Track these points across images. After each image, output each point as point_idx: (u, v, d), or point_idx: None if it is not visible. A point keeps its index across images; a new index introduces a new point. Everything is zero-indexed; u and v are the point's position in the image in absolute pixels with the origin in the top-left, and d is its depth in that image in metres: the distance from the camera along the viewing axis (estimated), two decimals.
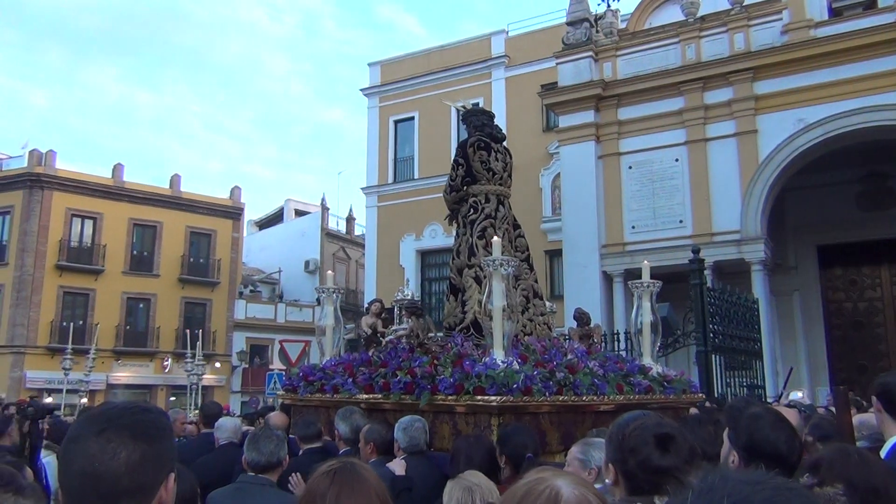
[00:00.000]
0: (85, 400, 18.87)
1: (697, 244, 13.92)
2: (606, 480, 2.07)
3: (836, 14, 16.25)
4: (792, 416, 3.31)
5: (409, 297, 8.21)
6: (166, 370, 31.13)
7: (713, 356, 11.80)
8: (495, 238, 5.68)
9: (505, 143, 7.46)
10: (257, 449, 3.70)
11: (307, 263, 37.23)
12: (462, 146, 7.13)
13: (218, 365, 31.94)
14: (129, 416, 1.56)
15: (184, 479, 2.82)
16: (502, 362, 5.09)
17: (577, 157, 17.94)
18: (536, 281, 7.16)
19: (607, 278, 17.38)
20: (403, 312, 7.70)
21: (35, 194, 29.94)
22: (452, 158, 7.30)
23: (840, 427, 3.77)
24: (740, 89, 16.41)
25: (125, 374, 30.92)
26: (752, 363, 13.27)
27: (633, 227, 17.13)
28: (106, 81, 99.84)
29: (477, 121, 7.32)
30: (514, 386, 4.92)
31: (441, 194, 7.60)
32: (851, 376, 17.85)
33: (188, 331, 23.67)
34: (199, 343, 19.95)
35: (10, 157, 33.64)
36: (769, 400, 11.79)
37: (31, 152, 31.16)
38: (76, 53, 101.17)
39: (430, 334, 6.45)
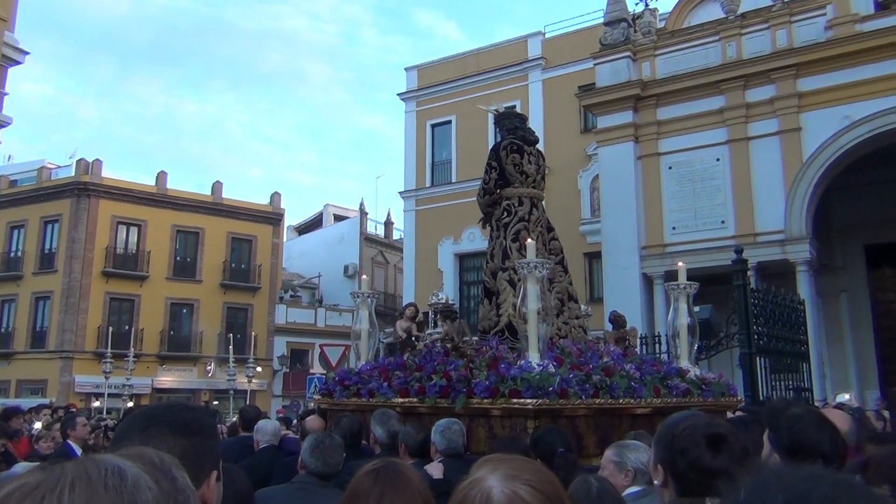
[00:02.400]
0: (130, 404, 19.22)
1: (740, 245, 13.67)
2: (655, 482, 2.03)
3: (882, 8, 15.86)
4: (841, 418, 3.23)
5: (443, 301, 8.21)
6: (209, 374, 31.58)
7: (757, 358, 11.57)
8: (529, 241, 5.66)
9: (538, 146, 7.42)
10: (324, 459, 3.65)
11: (346, 268, 37.47)
12: (495, 149, 7.13)
13: (259, 369, 32.29)
14: (172, 413, 1.59)
15: (238, 477, 2.85)
16: (538, 365, 5.07)
17: (615, 158, 17.77)
18: (571, 283, 7.13)
19: (647, 280, 17.18)
20: (438, 316, 7.69)
21: (82, 202, 30.64)
22: (486, 162, 7.28)
23: (893, 429, 3.66)
24: (783, 86, 16.10)
25: (170, 378, 31.44)
26: (798, 366, 12.99)
27: (674, 228, 16.91)
28: (152, 92, 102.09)
29: (510, 124, 7.31)
30: (550, 389, 4.91)
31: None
32: None
33: (231, 335, 24.00)
34: (252, 348, 20.18)
35: (59, 167, 34.50)
36: (817, 403, 11.53)
37: (78, 162, 31.92)
38: (124, 66, 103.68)
39: (465, 338, 6.43)
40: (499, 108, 7.96)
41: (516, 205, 6.89)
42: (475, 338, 6.71)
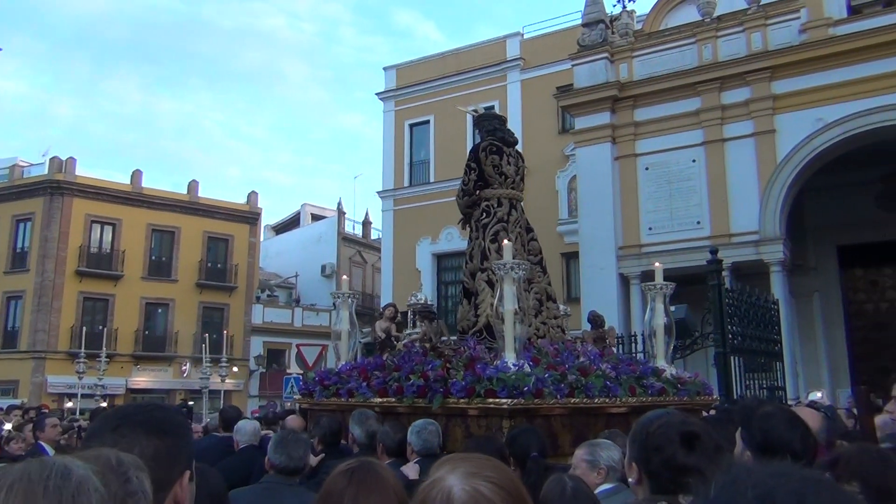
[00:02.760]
0: (104, 404, 18.99)
1: (715, 245, 13.79)
2: (630, 479, 2.04)
3: (855, 12, 16.10)
4: (812, 416, 3.27)
5: (422, 302, 8.24)
6: (185, 374, 31.30)
7: (732, 358, 11.69)
8: (506, 242, 5.68)
9: (517, 147, 7.44)
10: (287, 453, 3.67)
11: (324, 268, 37.32)
12: (474, 150, 7.14)
13: (235, 369, 32.07)
14: (143, 413, 1.57)
15: (212, 477, 2.83)
16: (513, 365, 5.12)
17: (593, 159, 17.87)
18: (549, 284, 7.16)
19: (624, 280, 17.29)
20: (416, 317, 7.71)
21: (55, 201, 30.24)
22: (465, 163, 7.30)
23: (863, 427, 3.72)
24: (758, 89, 16.29)
25: (144, 378, 31.12)
26: (771, 365, 13.13)
27: (650, 229, 17.03)
28: (128, 90, 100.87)
29: (489, 125, 7.31)
30: (525, 389, 4.95)
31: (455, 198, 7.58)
32: (873, 378, 17.58)
33: (207, 335, 23.80)
34: (224, 348, 20.01)
35: (32, 165, 34.01)
36: (790, 402, 11.67)
37: (51, 160, 31.49)
38: (99, 63, 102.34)
39: (443, 338, 6.44)
40: (478, 109, 7.96)
41: (495, 206, 6.91)
42: (454, 338, 6.70)
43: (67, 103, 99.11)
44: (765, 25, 16.46)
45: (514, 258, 5.53)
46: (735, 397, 11.00)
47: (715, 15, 17.18)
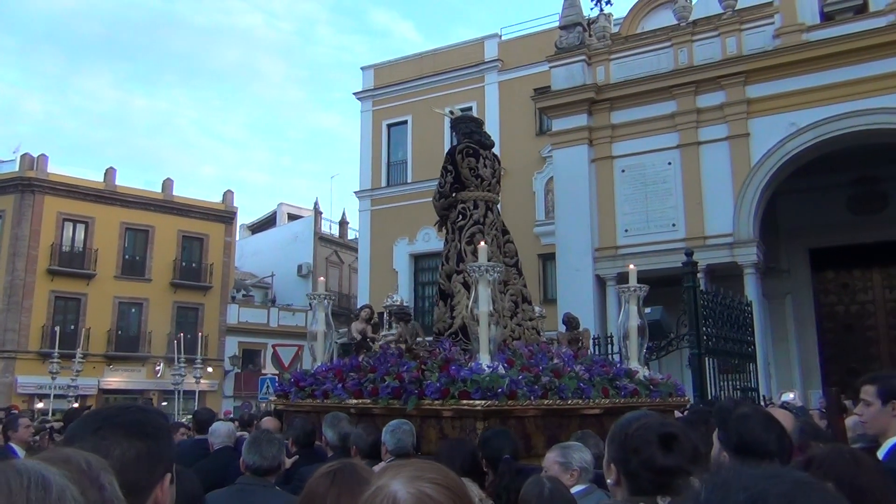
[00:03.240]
0: (76, 405, 18.73)
1: (690, 247, 13.94)
2: (609, 480, 2.06)
3: (827, 18, 16.34)
4: (785, 417, 3.33)
5: (397, 303, 8.27)
6: (158, 375, 30.98)
7: (706, 359, 11.81)
8: (481, 244, 5.70)
9: (495, 150, 7.47)
10: (260, 452, 3.66)
11: (300, 268, 37.13)
12: (451, 153, 7.14)
13: (210, 370, 31.81)
14: (125, 415, 1.55)
15: (188, 479, 2.81)
16: (488, 367, 5.14)
17: (570, 161, 17.97)
18: (525, 286, 7.21)
19: (600, 282, 17.40)
20: (392, 318, 7.75)
21: (26, 199, 29.78)
22: (442, 165, 7.30)
23: (833, 429, 3.78)
24: (732, 93, 16.47)
25: (117, 378, 30.76)
26: (745, 366, 13.28)
27: (626, 231, 17.16)
28: (101, 87, 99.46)
29: (465, 128, 7.32)
30: (499, 390, 4.98)
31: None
32: (843, 379, 17.89)
33: (181, 335, 23.59)
34: (199, 348, 19.84)
35: (2, 162, 33.44)
36: (763, 402, 11.81)
37: (22, 157, 30.98)
38: (72, 59, 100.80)
39: (419, 339, 6.45)
40: (454, 111, 7.96)
41: (471, 208, 6.93)
42: (429, 339, 6.71)
43: (38, 99, 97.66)
44: (739, 30, 16.66)
45: (489, 260, 5.55)
46: (710, 398, 11.11)
47: (690, 19, 17.35)
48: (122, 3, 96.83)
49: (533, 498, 2.97)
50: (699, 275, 13.28)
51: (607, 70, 18.02)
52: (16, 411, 13.02)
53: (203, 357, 21.18)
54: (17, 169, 30.80)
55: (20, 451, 6.33)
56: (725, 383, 12.54)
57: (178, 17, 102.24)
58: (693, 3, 17.79)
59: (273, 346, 33.80)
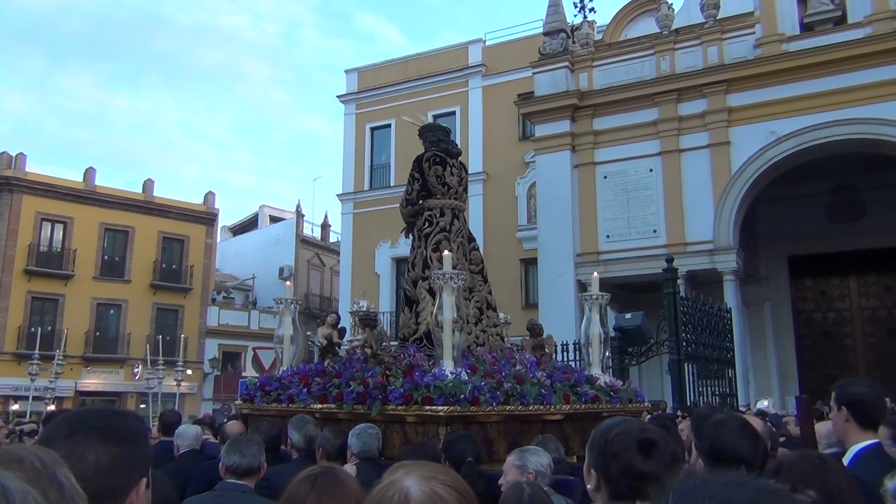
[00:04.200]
0: (52, 407, 18.52)
1: (671, 254, 14.04)
2: (588, 486, 2.07)
3: (807, 29, 16.54)
4: (757, 424, 3.37)
5: (364, 309, 8.39)
6: (136, 377, 30.68)
7: (686, 365, 11.89)
8: (446, 252, 5.77)
9: (461, 158, 7.57)
10: (240, 452, 3.66)
11: (281, 270, 36.94)
12: (418, 161, 7.21)
13: (189, 372, 31.56)
14: (101, 419, 1.53)
15: (162, 484, 2.78)
16: (451, 373, 5.23)
17: (552, 167, 18.04)
18: (490, 293, 7.28)
19: (582, 287, 17.43)
20: (358, 324, 7.86)
21: (4, 198, 29.44)
22: (409, 172, 7.38)
23: (803, 435, 3.82)
24: (714, 101, 16.62)
25: (94, 380, 30.45)
26: (723, 372, 13.39)
27: (608, 237, 17.25)
28: (83, 86, 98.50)
29: (433, 136, 7.37)
30: (462, 396, 5.07)
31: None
32: (821, 386, 18.07)
33: (160, 337, 23.40)
34: (181, 350, 19.66)
35: None
36: (740, 409, 11.90)
37: (0, 155, 30.64)
38: (54, 57, 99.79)
39: (384, 345, 6.50)
40: (422, 119, 8.06)
41: (438, 216, 7.00)
42: (394, 344, 6.79)
43: (18, 98, 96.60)
44: (721, 39, 16.82)
45: (455, 267, 5.66)
46: (689, 404, 11.17)
47: (673, 28, 17.50)
48: (105, 2, 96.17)
49: (512, 502, 3.00)
50: (679, 281, 13.37)
51: (590, 77, 18.12)
52: None
53: (183, 359, 21.01)
54: None
55: None
56: (705, 389, 12.63)
57: (163, 17, 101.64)
58: (675, 12, 17.94)
59: (254, 349, 33.75)
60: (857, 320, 19.40)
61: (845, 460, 3.03)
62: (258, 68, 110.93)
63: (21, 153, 30.55)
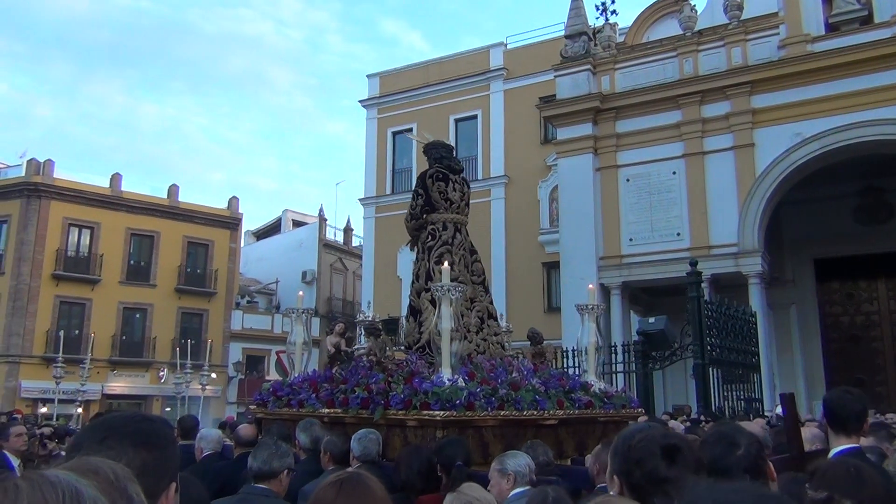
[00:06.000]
0: (80, 410, 18.77)
1: (695, 257, 13.94)
2: (612, 492, 2.06)
3: (833, 29, 16.35)
4: (755, 428, 3.39)
5: (369, 319, 8.79)
6: (162, 381, 30.99)
7: (710, 369, 11.80)
8: (444, 265, 6.08)
9: (463, 174, 7.87)
10: (262, 457, 3.71)
11: (304, 274, 37.15)
12: (421, 177, 7.58)
13: (214, 375, 31.83)
14: (131, 424, 1.55)
15: (193, 487, 2.82)
16: (448, 380, 5.55)
17: (574, 170, 17.98)
18: (492, 303, 7.62)
19: (605, 291, 17.37)
20: (363, 332, 8.28)
21: (32, 203, 29.87)
22: (413, 188, 7.73)
23: (789, 436, 3.78)
24: (738, 103, 16.48)
25: (120, 384, 30.77)
26: (749, 376, 13.27)
27: (631, 240, 17.15)
28: (110, 93, 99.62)
29: (436, 153, 7.71)
30: (458, 402, 5.37)
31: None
32: None
33: (185, 341, 23.61)
34: (204, 354, 19.83)
35: (9, 167, 33.60)
36: (766, 413, 11.78)
37: (28, 161, 31.11)
38: (82, 66, 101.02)
39: (388, 352, 6.73)
40: (426, 137, 8.40)
41: (440, 229, 7.33)
42: (399, 349, 7.09)
43: (47, 105, 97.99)
44: (745, 41, 16.68)
45: (457, 279, 6.10)
46: (713, 409, 11.09)
47: (696, 29, 17.38)
48: (131, 11, 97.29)
49: None
50: (703, 285, 13.28)
51: (612, 79, 18.04)
52: (18, 416, 13.05)
53: (208, 363, 21.20)
54: (23, 174, 30.93)
55: (14, 460, 6.29)
56: (730, 394, 12.52)
57: (188, 26, 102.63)
58: (698, 14, 17.82)
59: (277, 353, 33.88)
60: (886, 324, 19.11)
61: None
62: (282, 74, 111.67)
63: (49, 160, 31.00)
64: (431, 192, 7.37)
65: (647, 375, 13.34)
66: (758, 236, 15.98)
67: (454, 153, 7.96)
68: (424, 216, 7.45)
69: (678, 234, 16.64)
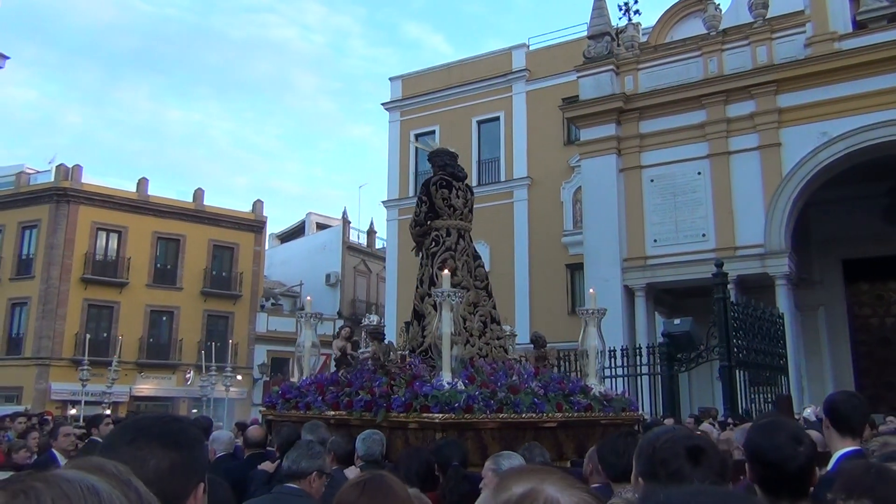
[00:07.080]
0: (108, 411, 18.98)
1: (720, 258, 13.81)
2: (636, 495, 2.06)
3: (860, 27, 16.12)
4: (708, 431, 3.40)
5: (374, 324, 9.01)
6: (188, 382, 31.29)
7: (737, 371, 11.69)
8: (445, 272, 6.24)
9: (467, 181, 8.02)
10: (292, 458, 3.82)
11: (328, 276, 37.35)
12: (425, 185, 7.70)
13: (239, 378, 32.07)
14: (160, 425, 1.58)
15: (219, 488, 2.85)
16: (448, 383, 5.71)
17: (598, 171, 17.90)
18: (495, 307, 7.71)
19: (629, 292, 17.28)
20: (368, 337, 8.46)
21: (61, 208, 30.34)
22: (417, 195, 7.89)
23: None
24: (763, 102, 16.31)
25: (148, 386, 31.13)
26: (776, 379, 13.12)
27: (655, 241, 17.04)
28: (137, 99, 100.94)
29: (440, 161, 7.82)
30: (456, 405, 5.52)
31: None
32: (878, 393, 17.58)
33: (211, 343, 23.82)
34: (229, 357, 19.99)
35: (38, 172, 34.15)
36: (795, 416, 11.63)
37: (57, 167, 31.61)
38: (109, 72, 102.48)
39: (391, 356, 6.95)
40: (431, 144, 8.49)
41: (444, 235, 7.48)
42: (402, 353, 7.25)
43: (76, 111, 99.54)
44: (770, 39, 16.50)
45: (461, 284, 6.34)
46: (740, 411, 10.98)
47: (720, 28, 17.23)
48: (157, 18, 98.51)
49: None
50: (729, 286, 13.15)
51: (636, 79, 17.94)
52: (48, 417, 13.23)
53: (233, 365, 21.36)
54: (52, 179, 31.44)
55: (62, 459, 6.41)
56: (756, 396, 12.39)
57: (214, 32, 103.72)
58: (723, 13, 17.67)
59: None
60: None
61: (829, 466, 3.06)
62: (306, 78, 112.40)
63: (78, 165, 31.49)
64: (435, 199, 7.51)
65: (673, 377, 13.24)
66: (784, 237, 15.80)
67: (458, 160, 8.08)
68: (428, 223, 7.60)
69: (703, 235, 16.50)
